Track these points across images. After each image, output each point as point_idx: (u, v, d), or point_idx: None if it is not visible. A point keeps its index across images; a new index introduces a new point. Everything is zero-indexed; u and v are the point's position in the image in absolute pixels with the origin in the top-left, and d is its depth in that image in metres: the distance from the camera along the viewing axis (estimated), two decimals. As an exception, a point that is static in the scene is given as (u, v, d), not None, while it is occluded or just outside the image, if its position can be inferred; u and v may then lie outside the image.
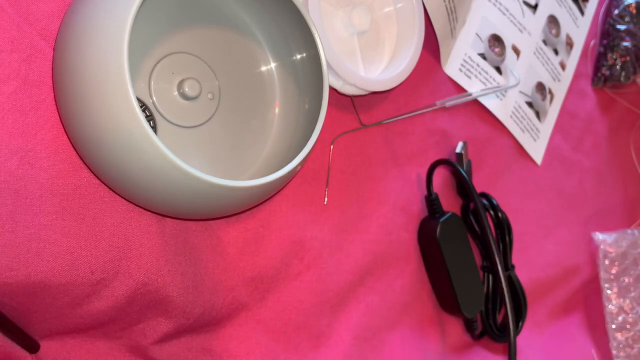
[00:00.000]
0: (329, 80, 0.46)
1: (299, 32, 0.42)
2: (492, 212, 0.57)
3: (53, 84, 0.36)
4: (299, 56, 0.43)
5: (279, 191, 0.45)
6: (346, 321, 0.50)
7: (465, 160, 0.58)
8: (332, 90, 0.47)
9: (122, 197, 0.39)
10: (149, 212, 0.40)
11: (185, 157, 0.35)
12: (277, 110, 0.45)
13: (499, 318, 0.58)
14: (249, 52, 0.45)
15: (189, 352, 0.43)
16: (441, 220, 0.53)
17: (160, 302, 0.40)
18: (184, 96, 0.41)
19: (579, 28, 0.73)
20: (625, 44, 0.74)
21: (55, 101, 0.37)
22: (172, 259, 0.40)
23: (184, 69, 0.41)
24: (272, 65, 0.45)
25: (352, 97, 0.51)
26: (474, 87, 0.60)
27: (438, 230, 0.53)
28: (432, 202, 0.54)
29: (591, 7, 0.75)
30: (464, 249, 0.55)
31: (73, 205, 0.37)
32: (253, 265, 0.45)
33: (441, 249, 0.53)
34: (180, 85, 0.40)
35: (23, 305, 0.37)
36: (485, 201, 0.57)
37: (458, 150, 0.57)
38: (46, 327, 0.38)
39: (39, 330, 0.38)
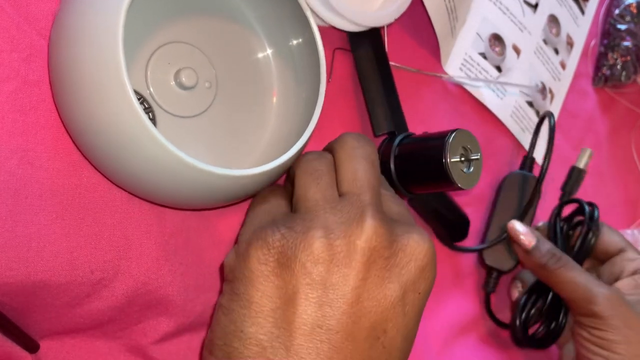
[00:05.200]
0: (326, 17, 0.46)
1: (293, 16, 0.42)
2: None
3: (49, 78, 0.36)
4: (295, 42, 0.43)
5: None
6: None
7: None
8: (331, 29, 0.46)
9: (123, 189, 0.38)
10: (150, 212, 0.40)
11: (185, 147, 0.34)
12: (275, 97, 0.45)
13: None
14: (244, 39, 0.44)
15: (190, 352, 0.42)
16: None
17: (161, 301, 0.40)
18: (181, 86, 0.40)
19: (580, 27, 0.73)
20: (626, 43, 0.74)
21: (53, 97, 0.37)
22: (172, 258, 0.40)
23: (179, 58, 0.41)
24: (269, 51, 0.45)
25: None
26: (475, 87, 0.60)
27: None
28: None
29: (592, 7, 0.75)
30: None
31: (73, 205, 0.37)
32: (253, 264, 0.45)
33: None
34: (176, 75, 0.40)
35: (23, 305, 0.36)
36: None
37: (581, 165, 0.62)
38: (46, 327, 0.38)
39: (39, 330, 0.38)
